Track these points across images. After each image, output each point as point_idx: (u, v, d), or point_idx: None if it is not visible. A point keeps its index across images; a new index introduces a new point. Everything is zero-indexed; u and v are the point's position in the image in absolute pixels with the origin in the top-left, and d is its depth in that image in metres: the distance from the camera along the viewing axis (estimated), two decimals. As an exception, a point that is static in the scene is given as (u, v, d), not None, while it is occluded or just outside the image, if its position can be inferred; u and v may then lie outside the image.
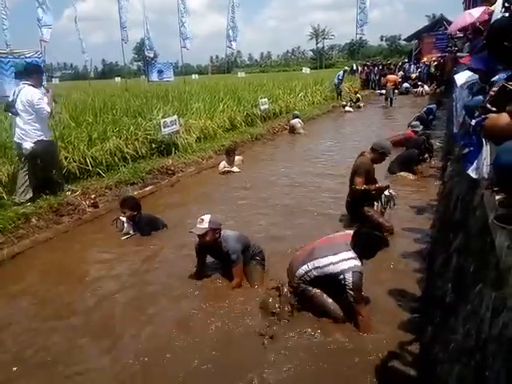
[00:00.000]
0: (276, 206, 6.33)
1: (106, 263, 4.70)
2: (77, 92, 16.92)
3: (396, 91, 20.78)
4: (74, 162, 6.87)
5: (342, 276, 3.26)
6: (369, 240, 3.39)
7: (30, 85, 5.72)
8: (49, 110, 5.74)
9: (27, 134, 5.73)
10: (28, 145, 5.71)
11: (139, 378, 2.87)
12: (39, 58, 15.41)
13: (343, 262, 3.30)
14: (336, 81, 20.99)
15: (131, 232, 5.36)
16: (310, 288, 3.45)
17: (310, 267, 3.43)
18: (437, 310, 3.00)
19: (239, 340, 3.19)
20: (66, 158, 6.79)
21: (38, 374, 2.93)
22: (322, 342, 3.12)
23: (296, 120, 13.08)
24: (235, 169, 8.40)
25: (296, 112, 13.89)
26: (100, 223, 5.94)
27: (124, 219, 5.35)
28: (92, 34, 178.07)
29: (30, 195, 5.83)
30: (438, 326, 2.81)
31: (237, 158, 8.60)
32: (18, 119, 5.80)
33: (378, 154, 5.21)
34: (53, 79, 32.83)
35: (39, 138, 5.76)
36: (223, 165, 8.43)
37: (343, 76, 21.58)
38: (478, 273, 2.35)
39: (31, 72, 5.85)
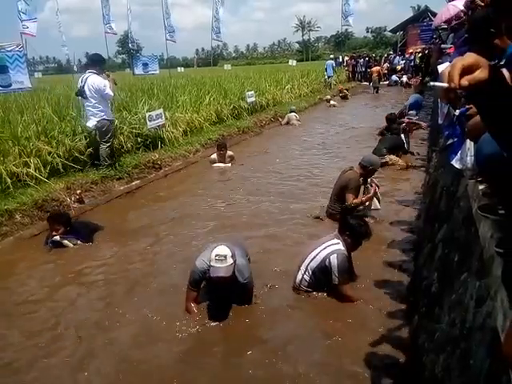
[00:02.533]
0: (269, 198, 6.29)
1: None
2: (60, 86, 16.62)
3: (381, 82, 22.20)
4: (59, 157, 6.75)
5: (327, 261, 3.44)
6: (353, 229, 3.57)
7: (94, 73, 6.68)
8: (112, 93, 6.86)
9: (93, 115, 6.83)
10: (91, 123, 6.88)
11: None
12: (20, 51, 15.05)
13: (328, 247, 3.52)
14: (330, 72, 22.18)
15: (73, 243, 4.89)
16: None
17: (304, 267, 3.62)
18: (423, 300, 3.04)
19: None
20: (49, 153, 6.66)
21: None
22: (314, 336, 3.16)
23: (292, 114, 13.43)
24: (226, 165, 8.25)
25: (293, 107, 14.19)
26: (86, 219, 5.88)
27: (58, 238, 4.83)
28: (76, 27, 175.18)
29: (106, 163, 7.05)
30: (424, 315, 2.84)
31: (228, 153, 8.42)
32: (86, 102, 6.85)
33: (368, 170, 5.17)
34: (35, 73, 32.14)
35: (101, 118, 6.81)
36: (213, 160, 8.31)
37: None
38: (462, 262, 2.37)
39: (95, 62, 6.85)
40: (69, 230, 4.91)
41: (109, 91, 6.72)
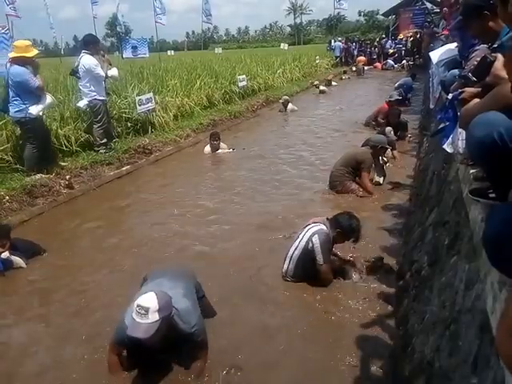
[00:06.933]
0: (266, 184, 6.23)
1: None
2: (48, 69, 16.25)
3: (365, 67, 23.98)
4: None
5: (310, 243, 3.43)
6: (343, 228, 3.54)
7: (88, 53, 6.82)
8: (103, 74, 6.94)
9: (85, 94, 7.00)
10: (82, 103, 7.07)
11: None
12: (6, 33, 14.66)
13: (309, 230, 3.52)
14: (337, 53, 26.04)
15: (23, 263, 4.10)
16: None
17: (289, 257, 3.59)
18: (413, 283, 3.07)
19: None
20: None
21: None
22: (307, 319, 3.19)
23: (291, 105, 12.80)
24: (228, 150, 8.10)
25: (285, 97, 13.31)
26: (76, 205, 5.84)
27: (7, 254, 3.99)
28: (64, 9, 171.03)
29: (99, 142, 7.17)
30: (414, 298, 2.88)
31: (222, 145, 8.14)
32: (79, 82, 7.09)
33: (378, 149, 5.64)
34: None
35: (93, 98, 6.94)
36: (207, 151, 8.11)
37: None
38: (452, 246, 2.39)
39: (88, 43, 6.98)
40: (12, 244, 4.13)
41: (100, 71, 6.83)
